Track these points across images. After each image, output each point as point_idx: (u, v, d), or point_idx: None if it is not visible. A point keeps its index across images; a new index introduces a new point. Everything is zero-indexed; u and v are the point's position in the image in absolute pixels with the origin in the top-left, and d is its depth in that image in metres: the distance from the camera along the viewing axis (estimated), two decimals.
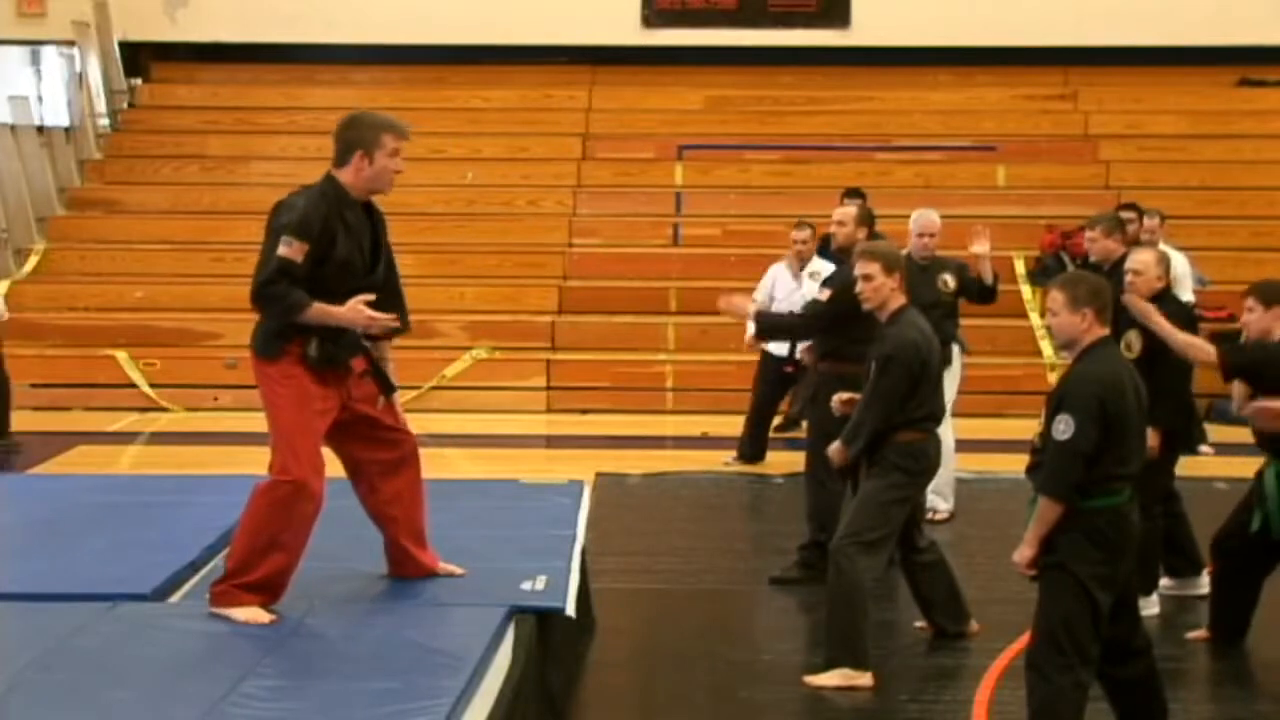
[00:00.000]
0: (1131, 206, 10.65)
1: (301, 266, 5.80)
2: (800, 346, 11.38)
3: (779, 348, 11.87)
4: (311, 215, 5.85)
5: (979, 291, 9.84)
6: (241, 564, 5.90)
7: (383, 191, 6.03)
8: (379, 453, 6.26)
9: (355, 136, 5.95)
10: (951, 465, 9.60)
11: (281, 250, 5.80)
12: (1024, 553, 5.68)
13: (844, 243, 8.78)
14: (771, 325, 9.50)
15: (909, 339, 6.94)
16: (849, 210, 9.04)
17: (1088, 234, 8.62)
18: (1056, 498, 5.58)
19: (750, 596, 8.50)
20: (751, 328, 9.11)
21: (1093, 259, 8.56)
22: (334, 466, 6.33)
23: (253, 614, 5.82)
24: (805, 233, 11.71)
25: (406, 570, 6.44)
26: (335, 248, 5.89)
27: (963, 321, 10.14)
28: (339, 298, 5.88)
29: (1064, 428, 5.55)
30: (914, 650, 7.45)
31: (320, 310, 5.83)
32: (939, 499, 9.76)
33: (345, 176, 5.97)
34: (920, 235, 9.55)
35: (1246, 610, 7.40)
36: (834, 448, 7.18)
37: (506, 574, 6.40)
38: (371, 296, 5.91)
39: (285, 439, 5.92)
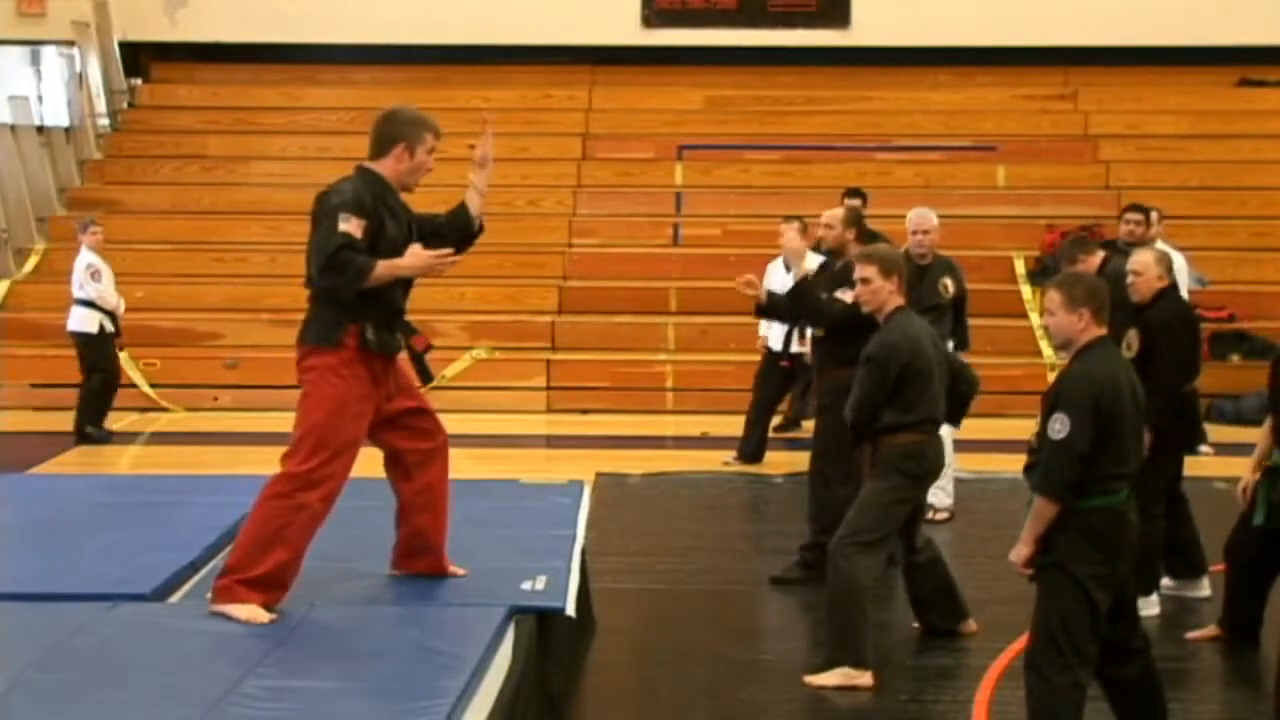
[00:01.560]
0: (1137, 208, 10.72)
1: (361, 243, 5.91)
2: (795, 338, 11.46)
3: (775, 342, 11.89)
4: (363, 195, 6.00)
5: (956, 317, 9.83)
6: (244, 558, 5.90)
7: (410, 188, 6.20)
8: (416, 442, 6.32)
9: (398, 131, 6.12)
10: (950, 463, 9.61)
11: (341, 226, 5.89)
12: (1020, 552, 5.68)
13: (834, 244, 8.76)
14: (776, 304, 9.09)
15: (891, 341, 6.94)
16: (836, 212, 9.03)
17: (1065, 269, 8.67)
18: (1052, 497, 5.58)
19: (750, 596, 8.51)
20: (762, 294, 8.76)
21: None
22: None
23: (253, 613, 5.81)
24: (794, 226, 11.72)
25: (418, 565, 6.45)
26: (385, 229, 6.01)
27: None
28: (397, 283, 6.04)
29: (1059, 427, 5.55)
30: (914, 650, 7.45)
31: (387, 266, 5.94)
32: (941, 494, 9.79)
33: (384, 168, 6.11)
34: (914, 233, 9.54)
35: (1258, 609, 7.41)
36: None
37: (506, 574, 6.40)
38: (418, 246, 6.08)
39: (315, 431, 5.94)
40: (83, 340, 13.07)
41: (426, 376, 6.37)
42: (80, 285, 13.03)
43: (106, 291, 13.05)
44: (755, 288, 8.61)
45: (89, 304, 13.03)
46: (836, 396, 7.72)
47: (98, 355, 13.06)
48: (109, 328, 13.09)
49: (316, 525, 5.98)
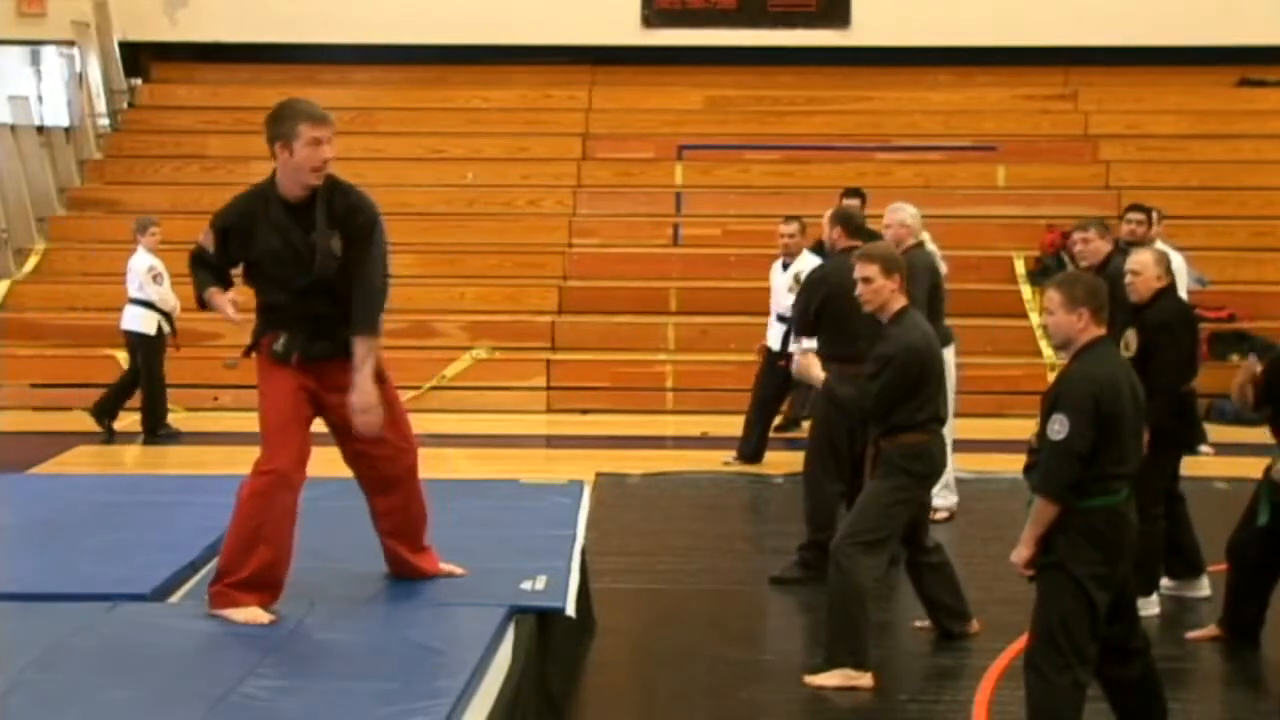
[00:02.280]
0: (1139, 208, 10.74)
1: (214, 255, 6.07)
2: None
3: (775, 342, 11.90)
4: (229, 209, 6.08)
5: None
6: (230, 561, 5.92)
7: (308, 183, 5.92)
8: (374, 468, 6.24)
9: (272, 131, 5.97)
10: (949, 463, 9.60)
11: (200, 237, 6.11)
12: (1021, 553, 5.68)
13: (828, 242, 8.81)
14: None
15: (910, 341, 6.93)
16: (829, 210, 9.08)
17: (1078, 235, 8.69)
18: (1052, 497, 5.58)
19: (750, 596, 8.50)
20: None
21: (1083, 264, 8.63)
22: (338, 467, 6.33)
23: (251, 614, 5.82)
24: (792, 226, 11.77)
25: (405, 573, 6.46)
26: (254, 241, 5.96)
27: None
28: (284, 291, 5.96)
29: (1059, 427, 5.55)
30: (914, 650, 7.46)
31: (209, 294, 6.07)
32: (947, 491, 9.77)
33: (278, 174, 6.01)
34: (885, 227, 9.55)
35: (1260, 610, 7.41)
36: (810, 361, 7.20)
37: (506, 574, 6.40)
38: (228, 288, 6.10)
39: (265, 430, 6.00)
40: (138, 339, 13.17)
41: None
42: (140, 287, 13.09)
43: (167, 293, 13.14)
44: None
45: (148, 305, 13.10)
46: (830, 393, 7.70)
47: (150, 356, 13.15)
48: (165, 328, 13.18)
49: (292, 516, 5.97)
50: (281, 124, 5.92)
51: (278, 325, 5.99)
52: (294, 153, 5.87)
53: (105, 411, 13.28)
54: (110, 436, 13.23)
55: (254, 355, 6.12)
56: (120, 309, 13.53)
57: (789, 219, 11.93)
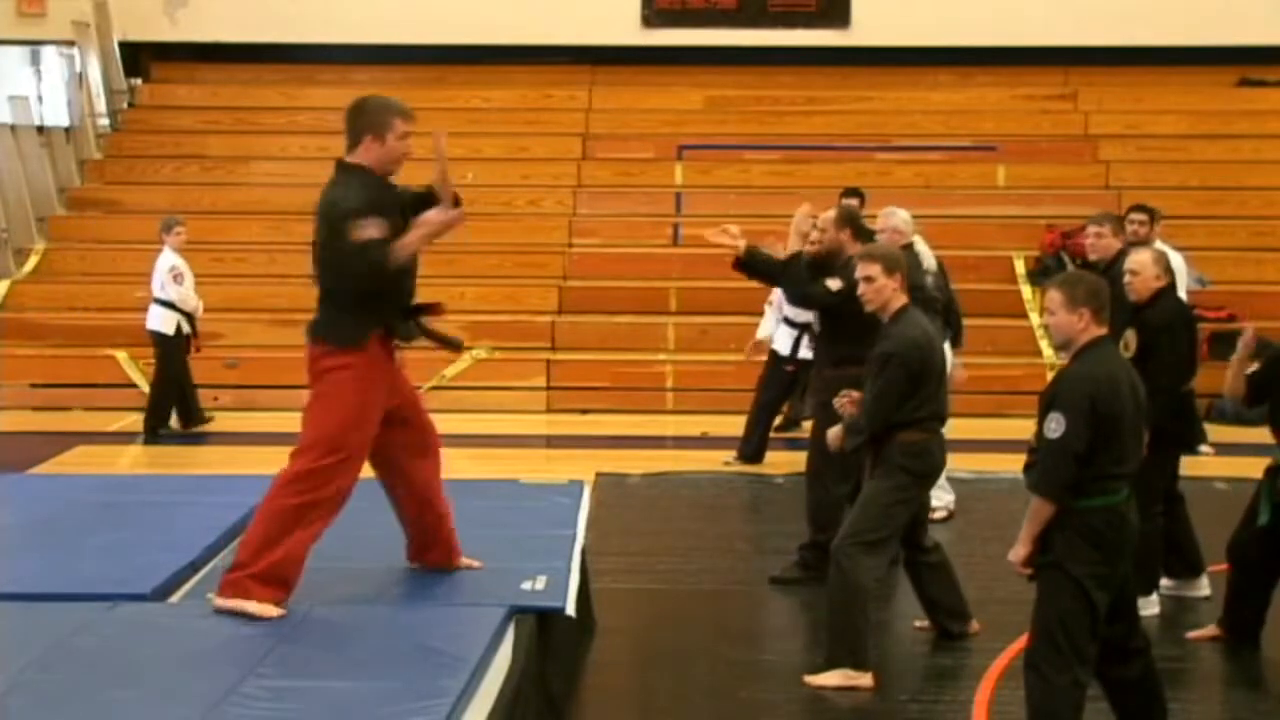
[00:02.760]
0: (1142, 208, 10.73)
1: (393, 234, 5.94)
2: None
3: (782, 346, 11.87)
4: (360, 195, 5.99)
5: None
6: (252, 553, 5.92)
7: (392, 173, 6.16)
8: (410, 436, 6.36)
9: (365, 122, 6.13)
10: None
11: (370, 233, 5.88)
12: (1019, 552, 5.68)
13: (829, 246, 8.62)
14: (756, 262, 8.66)
15: (910, 337, 6.93)
16: (828, 214, 8.92)
17: (1092, 229, 8.64)
18: (1049, 497, 5.58)
19: (750, 596, 8.50)
20: (741, 246, 8.56)
21: (1093, 257, 8.60)
22: None
23: (263, 608, 5.83)
24: (816, 234, 11.72)
25: (428, 557, 6.52)
26: (389, 223, 6.01)
27: (963, 321, 10.13)
28: (406, 273, 6.05)
29: (1055, 426, 5.55)
30: (914, 650, 7.46)
31: (401, 246, 5.92)
32: (942, 491, 9.76)
33: (362, 161, 6.09)
34: (879, 232, 9.54)
35: (1260, 610, 7.40)
36: (833, 432, 7.18)
37: (506, 574, 6.41)
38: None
39: (332, 432, 5.96)
40: (158, 340, 13.19)
41: (456, 345, 6.52)
42: (162, 286, 13.12)
43: (188, 294, 13.15)
44: (733, 237, 8.48)
45: (168, 305, 13.11)
46: (832, 395, 7.70)
47: (168, 356, 13.17)
48: (185, 329, 13.19)
49: (325, 524, 6.01)
50: (373, 115, 6.15)
51: (385, 313, 6.02)
52: (385, 143, 6.09)
53: (182, 416, 13.31)
54: (201, 419, 13.40)
55: (347, 352, 6.01)
56: (120, 309, 13.55)
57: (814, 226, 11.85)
